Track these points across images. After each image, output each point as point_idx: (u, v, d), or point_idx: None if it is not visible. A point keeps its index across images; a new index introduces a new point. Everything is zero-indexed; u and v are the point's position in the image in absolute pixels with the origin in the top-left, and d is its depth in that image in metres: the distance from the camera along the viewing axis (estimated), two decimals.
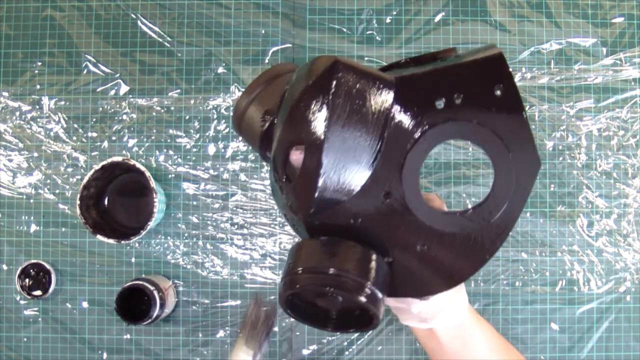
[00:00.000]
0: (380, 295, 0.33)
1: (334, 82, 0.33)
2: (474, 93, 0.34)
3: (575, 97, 0.75)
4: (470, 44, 0.76)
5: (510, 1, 0.76)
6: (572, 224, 0.74)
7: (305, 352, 0.73)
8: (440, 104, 0.33)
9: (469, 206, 0.44)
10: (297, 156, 0.35)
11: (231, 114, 0.45)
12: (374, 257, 0.34)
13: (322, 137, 0.33)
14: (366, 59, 0.76)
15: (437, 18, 0.76)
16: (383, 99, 0.34)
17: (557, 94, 0.75)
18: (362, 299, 0.32)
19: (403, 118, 0.33)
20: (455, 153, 0.74)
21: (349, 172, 0.34)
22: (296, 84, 0.36)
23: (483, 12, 0.76)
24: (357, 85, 0.33)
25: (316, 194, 0.33)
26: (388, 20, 0.76)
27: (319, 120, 0.33)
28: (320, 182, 0.33)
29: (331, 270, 0.32)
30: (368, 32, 0.76)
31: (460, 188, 0.74)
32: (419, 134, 0.34)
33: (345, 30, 0.76)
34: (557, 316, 0.73)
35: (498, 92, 0.33)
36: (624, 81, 0.75)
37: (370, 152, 0.34)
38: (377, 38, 0.76)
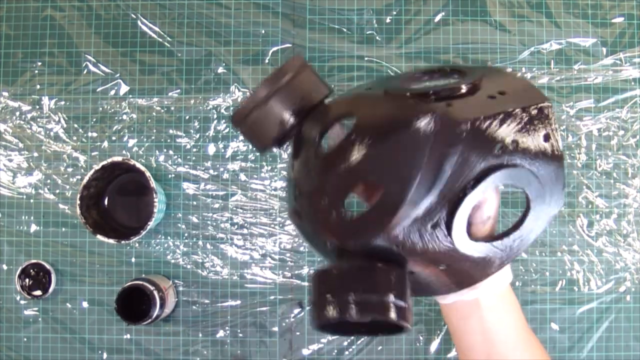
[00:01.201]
0: (411, 310, 0.35)
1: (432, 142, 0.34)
2: (526, 141, 0.35)
3: (575, 97, 0.75)
4: (470, 44, 0.76)
5: (510, 1, 0.76)
6: (572, 224, 0.74)
7: (305, 352, 0.73)
8: (498, 148, 0.35)
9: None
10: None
11: (232, 113, 0.44)
12: (407, 276, 0.36)
13: (407, 180, 0.34)
14: (366, 59, 0.76)
15: (437, 18, 0.76)
16: (453, 143, 0.34)
17: (557, 94, 0.75)
18: (405, 324, 0.34)
19: (466, 159, 0.34)
20: None
21: (408, 205, 0.34)
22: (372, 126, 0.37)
23: (483, 12, 0.76)
24: (438, 133, 0.34)
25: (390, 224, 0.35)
26: (388, 20, 0.76)
27: (402, 164, 0.34)
28: (394, 219, 0.34)
29: (375, 298, 0.34)
30: (368, 32, 0.76)
31: None
32: (480, 176, 0.35)
33: (345, 30, 0.76)
34: (557, 316, 0.73)
35: (545, 141, 0.36)
36: (624, 81, 0.75)
37: (431, 188, 0.35)
38: (377, 38, 0.76)
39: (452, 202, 0.35)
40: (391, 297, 0.34)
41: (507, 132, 0.35)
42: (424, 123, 0.34)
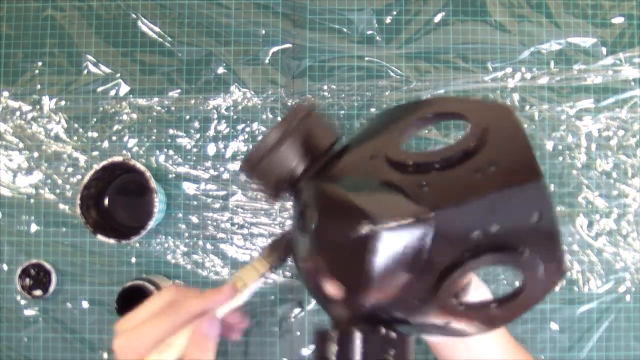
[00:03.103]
0: None
1: (378, 244, 0.32)
2: (511, 223, 0.32)
3: (575, 97, 0.75)
4: (470, 44, 0.76)
5: (510, 1, 0.76)
6: (572, 224, 0.74)
7: (305, 352, 0.73)
8: (477, 234, 0.32)
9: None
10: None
11: (242, 161, 0.43)
12: (408, 339, 0.35)
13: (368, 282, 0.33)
14: (366, 59, 0.76)
15: (437, 18, 0.76)
16: (424, 239, 0.32)
17: (557, 94, 0.75)
18: None
19: (440, 249, 0.32)
20: None
21: (376, 291, 0.34)
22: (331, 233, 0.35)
23: (483, 12, 0.76)
24: (400, 240, 0.32)
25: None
26: (388, 20, 0.76)
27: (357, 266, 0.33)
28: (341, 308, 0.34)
29: None
30: (368, 32, 0.76)
31: None
32: (456, 263, 0.33)
33: (345, 30, 0.76)
34: (557, 316, 0.73)
35: (535, 219, 0.32)
36: (624, 81, 0.75)
37: (412, 279, 0.34)
38: (377, 38, 0.76)
39: (432, 285, 0.33)
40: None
41: (485, 217, 0.32)
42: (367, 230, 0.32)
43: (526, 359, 0.47)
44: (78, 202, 0.69)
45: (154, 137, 0.75)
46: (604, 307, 0.73)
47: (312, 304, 0.74)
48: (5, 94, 0.76)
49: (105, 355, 0.73)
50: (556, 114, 0.75)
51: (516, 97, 0.75)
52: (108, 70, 0.76)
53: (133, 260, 0.74)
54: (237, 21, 0.76)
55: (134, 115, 0.76)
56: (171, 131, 0.76)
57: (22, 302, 0.74)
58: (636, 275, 0.74)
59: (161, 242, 0.74)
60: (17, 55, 0.77)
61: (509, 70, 0.75)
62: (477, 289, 0.43)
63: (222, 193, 0.75)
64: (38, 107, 0.76)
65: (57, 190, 0.75)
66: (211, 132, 0.75)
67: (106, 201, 0.75)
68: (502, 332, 0.47)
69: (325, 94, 0.76)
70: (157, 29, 0.76)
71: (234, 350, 0.73)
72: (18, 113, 0.76)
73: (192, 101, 0.76)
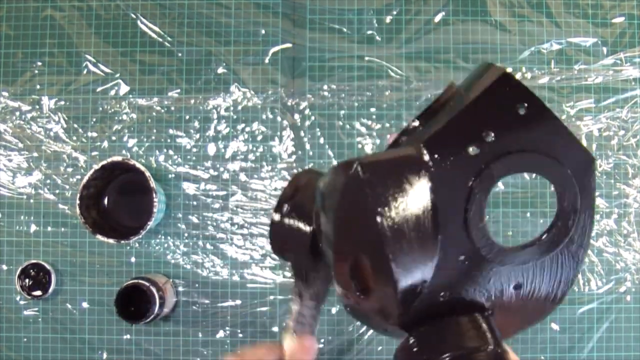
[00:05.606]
0: (505, 348, 0.32)
1: (367, 190, 0.31)
2: (500, 122, 0.31)
3: (575, 97, 0.75)
4: (470, 44, 0.76)
5: (510, 1, 0.76)
6: None
7: None
8: (473, 149, 0.31)
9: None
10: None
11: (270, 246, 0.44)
12: (481, 319, 0.33)
13: (382, 244, 0.30)
14: (366, 59, 0.76)
15: (437, 18, 0.76)
16: (420, 177, 0.31)
17: (557, 94, 0.75)
18: None
19: (445, 182, 0.31)
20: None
21: (419, 262, 0.31)
22: (327, 200, 0.35)
23: (483, 12, 0.76)
24: (390, 180, 0.31)
25: (399, 297, 0.31)
26: (388, 20, 0.76)
27: (371, 230, 0.31)
28: (399, 286, 0.31)
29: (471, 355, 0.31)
30: (368, 32, 0.76)
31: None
32: (468, 190, 0.31)
33: (345, 30, 0.76)
34: (557, 316, 0.73)
35: (522, 111, 0.31)
36: (624, 81, 0.75)
37: (429, 232, 0.31)
38: (377, 38, 0.76)
39: (460, 228, 0.31)
40: (489, 348, 0.31)
41: (473, 129, 0.31)
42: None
43: None
44: (77, 202, 0.69)
45: (153, 137, 0.75)
46: (604, 307, 0.73)
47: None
48: (5, 94, 0.76)
49: (105, 355, 0.73)
50: (556, 114, 0.75)
51: None
52: (108, 70, 0.76)
53: (133, 260, 0.74)
54: (237, 21, 0.76)
55: (134, 115, 0.76)
56: (171, 131, 0.75)
57: (22, 302, 0.74)
58: (636, 276, 0.74)
59: (161, 242, 0.74)
60: (17, 55, 0.77)
61: (509, 70, 0.75)
62: None
63: (222, 193, 0.75)
64: (37, 107, 0.76)
65: (57, 191, 0.75)
66: (211, 132, 0.75)
67: (106, 201, 0.75)
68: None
69: (325, 94, 0.76)
70: (156, 28, 0.76)
71: (234, 350, 0.73)
72: (17, 113, 0.76)
73: (192, 101, 0.76)
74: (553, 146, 0.32)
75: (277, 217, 0.40)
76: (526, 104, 0.32)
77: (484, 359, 0.30)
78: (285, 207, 0.40)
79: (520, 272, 0.33)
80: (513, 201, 0.74)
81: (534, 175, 0.71)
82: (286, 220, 0.40)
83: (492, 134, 0.31)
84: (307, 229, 0.39)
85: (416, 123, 0.35)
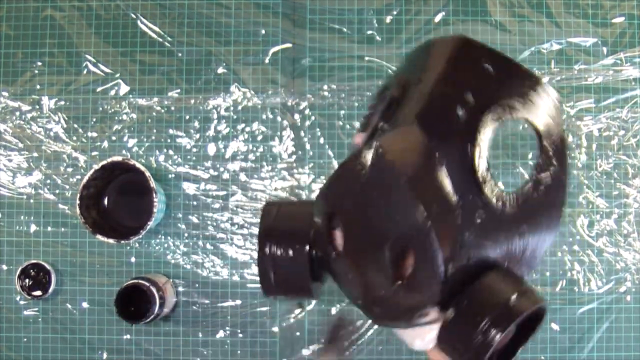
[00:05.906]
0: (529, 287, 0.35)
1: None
2: (473, 81, 0.33)
3: (575, 97, 0.75)
4: None
5: (510, 1, 0.76)
6: (573, 224, 0.74)
7: (305, 352, 0.73)
8: (460, 114, 0.33)
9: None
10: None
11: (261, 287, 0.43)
12: (502, 273, 0.35)
13: (425, 222, 0.32)
14: (366, 59, 0.76)
15: (437, 18, 0.76)
16: (430, 155, 0.32)
17: (558, 93, 0.75)
18: (541, 304, 0.34)
19: (449, 152, 0.32)
20: None
21: (450, 230, 0.32)
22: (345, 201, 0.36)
23: (483, 12, 0.76)
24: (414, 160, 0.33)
25: (440, 268, 0.32)
26: (388, 20, 0.76)
27: (411, 212, 0.32)
28: (441, 257, 0.32)
29: (499, 305, 0.33)
30: (368, 32, 0.76)
31: None
32: (469, 147, 0.33)
33: (345, 30, 0.76)
34: (557, 316, 0.73)
35: (490, 67, 0.34)
36: (624, 81, 0.75)
37: (454, 202, 0.32)
38: (377, 38, 0.76)
39: (474, 192, 0.33)
40: (514, 296, 0.33)
41: (450, 95, 0.33)
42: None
43: None
44: (78, 202, 0.68)
45: (153, 137, 0.75)
46: (605, 307, 0.73)
47: (312, 304, 0.74)
48: (5, 94, 0.76)
49: (105, 355, 0.73)
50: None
51: None
52: (108, 70, 0.76)
53: (133, 260, 0.74)
54: (237, 21, 0.76)
55: (134, 115, 0.76)
56: (171, 131, 0.75)
57: (22, 302, 0.74)
58: (637, 276, 0.74)
59: (161, 242, 0.74)
60: (17, 55, 0.77)
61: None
62: None
63: (222, 193, 0.75)
64: (37, 107, 0.76)
65: (57, 191, 0.75)
66: (211, 132, 0.75)
67: (106, 201, 0.75)
68: None
69: (325, 94, 0.76)
70: (156, 29, 0.76)
71: (234, 350, 0.73)
72: (17, 113, 0.76)
73: (192, 101, 0.76)
74: (530, 96, 0.36)
75: (262, 252, 0.39)
76: (491, 60, 0.34)
77: (517, 303, 0.33)
78: (270, 243, 0.39)
79: (525, 217, 0.36)
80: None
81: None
82: (277, 252, 0.38)
83: (469, 95, 0.33)
84: (304, 253, 0.38)
85: (382, 123, 0.38)
